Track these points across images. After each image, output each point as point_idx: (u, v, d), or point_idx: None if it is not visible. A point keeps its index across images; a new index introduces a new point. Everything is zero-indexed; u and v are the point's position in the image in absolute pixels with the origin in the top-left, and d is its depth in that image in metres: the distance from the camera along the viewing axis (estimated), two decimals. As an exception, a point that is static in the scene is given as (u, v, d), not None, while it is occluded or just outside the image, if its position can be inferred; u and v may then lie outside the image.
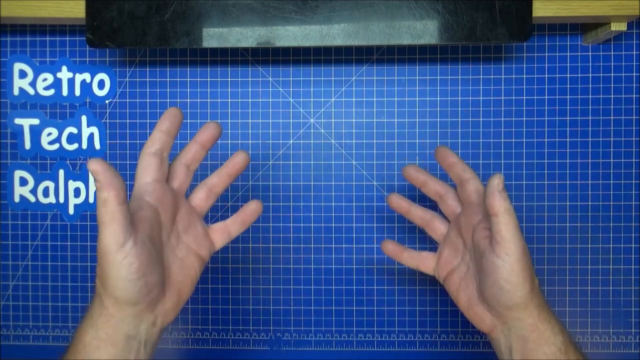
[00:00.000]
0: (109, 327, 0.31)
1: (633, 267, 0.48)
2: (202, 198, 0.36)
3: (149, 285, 0.31)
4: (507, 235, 0.32)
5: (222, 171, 0.37)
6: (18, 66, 0.50)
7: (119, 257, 0.30)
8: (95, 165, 0.30)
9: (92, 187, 0.50)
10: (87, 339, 0.31)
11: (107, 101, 0.50)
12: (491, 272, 0.33)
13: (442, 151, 0.38)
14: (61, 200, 0.50)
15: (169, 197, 0.34)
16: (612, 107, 0.48)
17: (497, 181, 0.33)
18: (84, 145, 0.50)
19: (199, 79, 0.50)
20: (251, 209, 0.37)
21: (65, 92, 0.50)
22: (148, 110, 0.50)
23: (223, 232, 0.37)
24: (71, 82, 0.50)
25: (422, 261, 0.39)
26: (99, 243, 0.30)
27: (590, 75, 0.48)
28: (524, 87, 0.48)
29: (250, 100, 0.50)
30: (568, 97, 0.48)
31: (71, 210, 0.50)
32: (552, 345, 0.33)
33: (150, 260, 0.31)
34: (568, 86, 0.48)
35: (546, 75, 0.48)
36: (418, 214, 0.40)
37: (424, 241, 0.49)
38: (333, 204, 0.49)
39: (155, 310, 0.32)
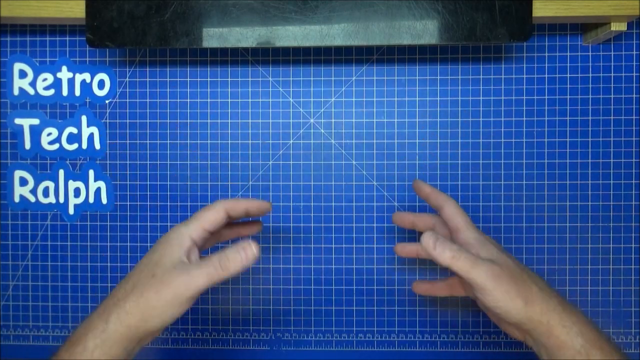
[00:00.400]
0: (119, 345, 0.32)
1: (633, 267, 0.48)
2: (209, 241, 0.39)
3: None
4: (468, 276, 0.33)
5: (235, 228, 0.41)
6: (18, 66, 0.50)
7: (185, 306, 0.33)
8: (255, 248, 0.34)
9: (91, 187, 0.50)
10: (89, 345, 0.32)
11: (107, 101, 0.50)
12: (482, 301, 0.34)
13: (416, 185, 0.41)
14: (61, 200, 0.50)
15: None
16: (612, 107, 0.48)
17: (425, 242, 0.34)
18: (84, 145, 0.50)
19: (199, 79, 0.50)
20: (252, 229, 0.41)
21: (65, 92, 0.50)
22: (148, 110, 0.50)
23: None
24: (71, 82, 0.50)
25: (453, 287, 0.42)
26: (196, 285, 0.32)
27: (590, 75, 0.48)
28: (524, 87, 0.48)
29: (250, 100, 0.50)
30: (568, 97, 0.48)
31: (71, 210, 0.50)
32: (570, 349, 0.33)
33: None
34: (568, 86, 0.48)
35: (546, 75, 0.48)
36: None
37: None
38: (333, 204, 0.49)
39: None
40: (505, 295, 0.33)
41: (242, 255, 0.33)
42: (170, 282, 0.33)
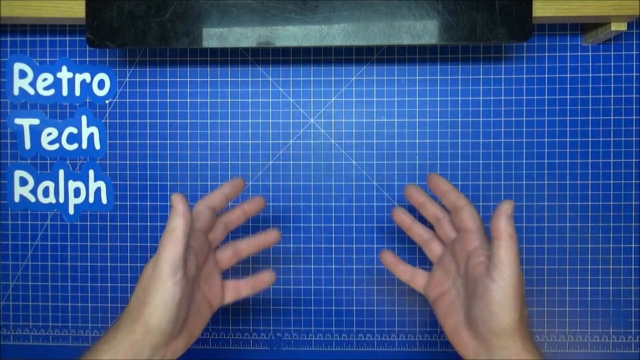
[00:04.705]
0: (129, 352, 0.32)
1: (633, 267, 0.48)
2: (227, 257, 0.39)
3: (180, 319, 0.33)
4: (505, 260, 0.33)
5: (252, 241, 0.40)
6: (18, 66, 0.50)
7: (169, 283, 0.32)
8: (177, 196, 0.33)
9: (91, 187, 0.50)
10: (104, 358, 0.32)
11: (107, 101, 0.50)
12: (484, 295, 0.33)
13: (434, 179, 0.39)
14: (61, 200, 0.50)
15: (205, 246, 0.38)
16: (612, 107, 0.48)
17: (507, 206, 0.33)
18: (84, 145, 0.50)
19: (199, 79, 0.50)
20: (264, 279, 0.40)
21: (65, 92, 0.50)
22: (148, 110, 0.50)
23: (234, 290, 0.39)
24: (71, 82, 0.50)
25: (414, 277, 0.40)
26: (155, 266, 0.33)
27: (590, 75, 0.48)
28: (524, 87, 0.48)
29: (250, 100, 0.50)
30: (568, 97, 0.48)
31: (71, 210, 0.50)
32: None
33: (186, 296, 0.33)
34: (568, 86, 0.48)
35: (546, 75, 0.48)
36: (418, 232, 0.41)
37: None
38: (333, 204, 0.49)
39: (169, 345, 0.34)
40: (514, 300, 0.33)
41: (172, 211, 0.34)
42: (144, 274, 0.33)
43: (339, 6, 0.41)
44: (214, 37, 0.42)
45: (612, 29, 0.43)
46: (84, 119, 0.50)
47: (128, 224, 0.50)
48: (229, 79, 0.49)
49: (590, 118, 0.48)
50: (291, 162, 0.49)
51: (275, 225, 0.50)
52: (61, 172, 0.50)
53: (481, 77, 0.49)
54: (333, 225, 0.49)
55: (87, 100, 0.50)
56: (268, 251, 0.50)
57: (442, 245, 0.40)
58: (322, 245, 0.49)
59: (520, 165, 0.48)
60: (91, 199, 0.50)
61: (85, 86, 0.50)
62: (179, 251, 0.32)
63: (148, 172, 0.50)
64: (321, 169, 0.49)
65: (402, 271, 0.41)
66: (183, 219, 0.33)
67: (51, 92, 0.50)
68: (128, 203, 0.50)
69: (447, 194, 0.38)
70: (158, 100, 0.50)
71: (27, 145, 0.50)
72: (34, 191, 0.50)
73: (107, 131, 0.50)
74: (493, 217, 0.34)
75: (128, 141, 0.50)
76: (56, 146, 0.50)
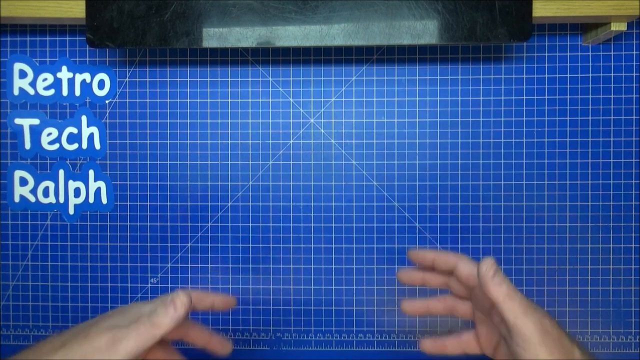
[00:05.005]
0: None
1: (633, 267, 0.48)
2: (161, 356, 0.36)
3: None
4: (516, 321, 0.30)
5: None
6: (18, 66, 0.50)
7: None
8: (183, 298, 0.32)
9: (91, 187, 0.50)
10: None
11: (107, 101, 0.50)
12: (516, 353, 0.30)
13: (415, 255, 0.37)
14: (61, 200, 0.50)
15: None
16: (612, 107, 0.48)
17: (485, 268, 0.30)
18: (84, 145, 0.50)
19: (199, 79, 0.50)
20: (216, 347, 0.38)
21: (65, 92, 0.50)
22: (148, 110, 0.50)
23: None
24: (71, 82, 0.50)
25: (468, 345, 0.37)
26: (120, 340, 0.30)
27: (590, 75, 0.48)
28: (524, 87, 0.48)
29: (250, 100, 0.50)
30: (568, 97, 0.48)
31: (71, 210, 0.50)
32: None
33: None
34: (568, 86, 0.48)
35: (546, 75, 0.48)
36: (438, 307, 0.38)
37: (424, 241, 0.49)
38: (333, 204, 0.49)
39: None
40: (548, 354, 0.29)
41: (171, 308, 0.31)
42: (94, 341, 0.30)
43: (339, 6, 0.41)
44: (214, 37, 0.42)
45: (612, 29, 0.43)
46: (84, 119, 0.50)
47: (128, 224, 0.50)
48: (229, 79, 0.49)
49: (590, 118, 0.48)
50: (291, 162, 0.49)
51: (275, 225, 0.50)
52: (61, 172, 0.50)
53: (481, 77, 0.49)
54: (333, 225, 0.49)
55: (87, 100, 0.50)
56: (268, 251, 0.50)
57: (467, 302, 0.37)
58: (322, 245, 0.49)
59: (520, 165, 0.48)
60: (91, 199, 0.50)
61: (85, 86, 0.50)
62: (149, 345, 0.30)
63: (148, 172, 0.50)
64: (321, 169, 0.49)
65: (452, 347, 0.37)
66: (174, 322, 0.31)
67: (51, 92, 0.50)
68: (128, 203, 0.50)
69: (437, 261, 0.36)
70: (158, 100, 0.50)
71: (27, 145, 0.50)
72: (34, 191, 0.50)
73: (107, 131, 0.50)
74: (481, 285, 0.31)
75: (128, 141, 0.50)
76: (56, 146, 0.50)
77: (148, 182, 0.50)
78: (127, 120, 0.50)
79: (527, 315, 0.29)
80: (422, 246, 0.49)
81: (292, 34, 0.42)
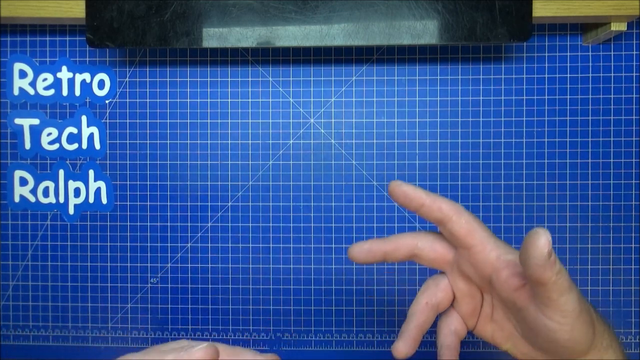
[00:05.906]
0: None
1: (633, 267, 0.48)
2: None
3: None
4: (560, 298, 0.26)
5: None
6: (18, 66, 0.50)
7: None
8: (211, 350, 0.27)
9: (91, 187, 0.50)
10: None
11: (107, 101, 0.50)
12: (544, 333, 0.27)
13: (397, 190, 0.30)
14: (61, 200, 0.50)
15: None
16: (612, 107, 0.48)
17: (543, 243, 0.24)
18: (84, 145, 0.50)
19: (199, 79, 0.50)
20: None
21: (65, 92, 0.50)
22: (148, 110, 0.50)
23: None
24: (71, 82, 0.50)
25: (452, 321, 0.32)
26: None
27: (590, 75, 0.48)
28: (524, 87, 0.48)
29: (250, 100, 0.50)
30: (568, 97, 0.48)
31: (71, 210, 0.50)
32: None
33: None
34: (568, 86, 0.48)
35: (546, 75, 0.48)
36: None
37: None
38: (333, 204, 0.49)
39: None
40: (583, 327, 0.27)
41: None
42: None
43: (339, 6, 0.41)
44: (214, 37, 0.42)
45: (612, 29, 0.43)
46: (84, 119, 0.50)
47: (128, 224, 0.50)
48: (229, 79, 0.49)
49: (590, 118, 0.48)
50: (291, 162, 0.49)
51: (275, 225, 0.50)
52: (61, 172, 0.50)
53: (481, 77, 0.49)
54: (333, 225, 0.49)
55: (87, 100, 0.50)
56: (268, 251, 0.50)
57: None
58: (322, 245, 0.49)
59: (520, 165, 0.48)
60: (91, 199, 0.50)
61: (85, 86, 0.50)
62: None
63: (148, 172, 0.50)
64: (321, 169, 0.49)
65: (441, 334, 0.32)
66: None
67: (51, 92, 0.50)
68: (128, 203, 0.50)
69: (425, 208, 0.30)
70: (158, 100, 0.50)
71: (27, 145, 0.50)
72: (34, 191, 0.50)
73: (107, 131, 0.50)
74: (528, 265, 0.25)
75: (128, 141, 0.50)
76: (56, 146, 0.50)
77: (148, 182, 0.50)
78: (127, 120, 0.50)
79: (571, 293, 0.26)
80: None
81: (292, 34, 0.42)
